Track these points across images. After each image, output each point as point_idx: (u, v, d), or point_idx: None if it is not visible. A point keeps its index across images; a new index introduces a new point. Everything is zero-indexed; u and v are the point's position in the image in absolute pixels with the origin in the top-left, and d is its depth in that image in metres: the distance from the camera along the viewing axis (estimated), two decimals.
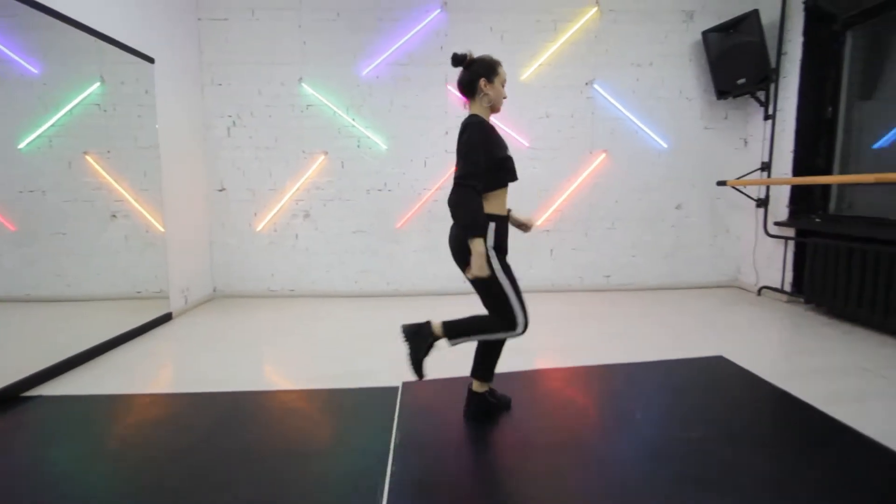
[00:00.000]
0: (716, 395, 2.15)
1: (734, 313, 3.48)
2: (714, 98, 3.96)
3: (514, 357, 2.32)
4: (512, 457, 1.70)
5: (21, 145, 3.12)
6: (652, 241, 4.22)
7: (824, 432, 1.79)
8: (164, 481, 1.54)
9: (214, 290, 4.13)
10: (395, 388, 2.25)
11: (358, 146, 4.00)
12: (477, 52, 3.90)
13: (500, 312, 1.74)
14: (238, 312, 3.66)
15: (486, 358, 1.88)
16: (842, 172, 3.49)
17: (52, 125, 3.16)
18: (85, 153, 3.31)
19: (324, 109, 3.94)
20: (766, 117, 3.80)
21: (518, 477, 1.57)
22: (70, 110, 3.21)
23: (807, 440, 1.76)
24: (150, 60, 3.28)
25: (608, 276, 4.25)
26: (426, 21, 3.85)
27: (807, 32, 3.45)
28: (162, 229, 3.48)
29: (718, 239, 4.26)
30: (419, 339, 1.84)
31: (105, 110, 3.36)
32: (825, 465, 1.58)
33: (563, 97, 4.00)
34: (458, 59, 1.80)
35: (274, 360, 2.73)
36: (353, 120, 3.96)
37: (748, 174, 3.98)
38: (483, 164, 1.66)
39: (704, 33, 3.79)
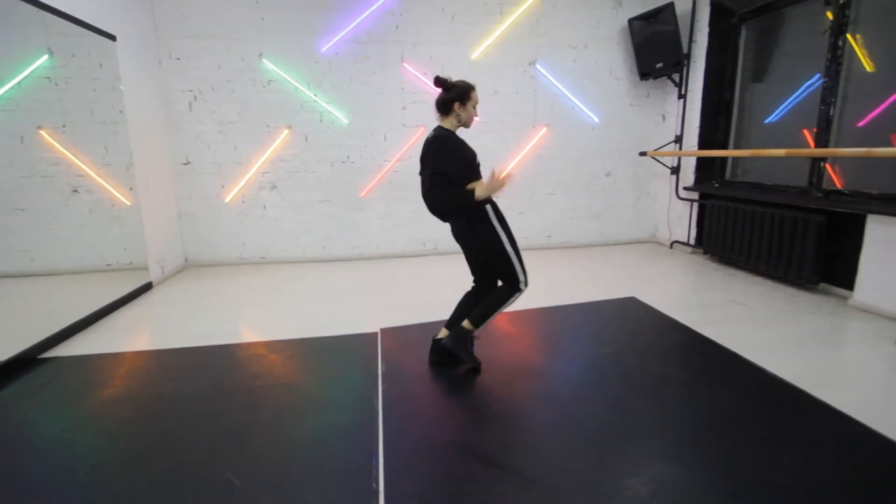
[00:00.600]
0: (626, 325, 2.80)
1: (649, 264, 4.22)
2: (637, 79, 4.54)
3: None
4: (477, 382, 2.24)
5: None
6: (586, 203, 4.86)
7: (696, 345, 2.48)
8: (178, 425, 1.95)
9: (186, 260, 4.33)
10: (375, 333, 2.72)
11: (321, 120, 4.25)
12: (429, 33, 4.23)
13: (507, 276, 2.11)
14: (214, 279, 3.93)
15: (490, 313, 2.17)
16: (736, 146, 4.22)
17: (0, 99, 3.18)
18: (39, 128, 3.35)
19: (285, 85, 4.12)
20: (680, 96, 4.44)
21: (483, 397, 2.11)
22: (18, 84, 3.22)
23: (681, 351, 2.43)
24: (112, 38, 3.33)
25: (549, 236, 4.86)
26: (381, 1, 4.07)
27: (711, 24, 4.06)
28: (128, 203, 3.62)
29: (640, 202, 4.98)
30: (460, 341, 2.20)
31: (56, 84, 3.38)
32: (692, 368, 2.26)
33: (508, 75, 4.42)
34: (439, 82, 2.09)
35: (260, 317, 3.10)
36: (315, 95, 4.18)
37: (664, 146, 4.66)
38: (456, 167, 2.03)
39: (630, 21, 4.30)
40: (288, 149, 4.26)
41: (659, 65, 4.23)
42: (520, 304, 3.14)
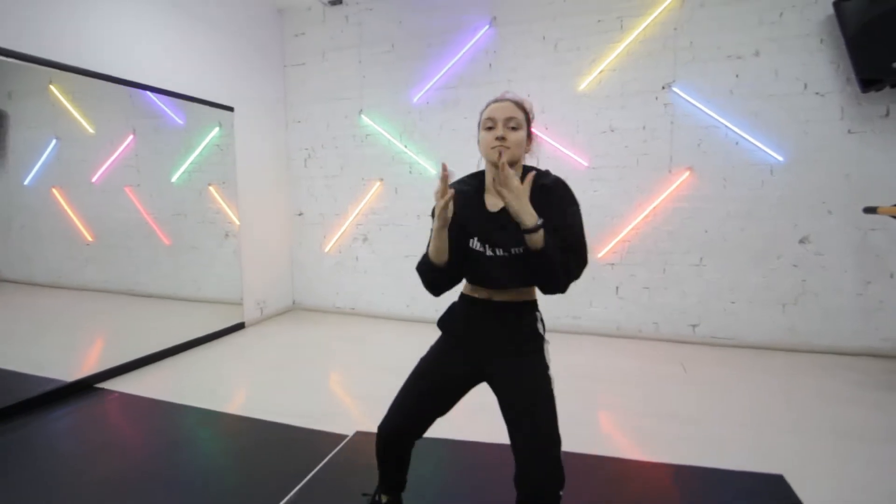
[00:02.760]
0: None
1: (875, 401, 2.39)
2: (859, 90, 2.80)
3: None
4: None
5: (173, 179, 4.04)
6: (761, 283, 3.20)
7: None
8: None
9: (294, 303, 4.65)
10: (344, 436, 2.18)
11: (410, 172, 4.03)
12: (527, 67, 3.56)
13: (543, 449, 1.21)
14: (299, 327, 4.04)
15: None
16: None
17: (191, 163, 4.01)
18: (209, 185, 4.09)
19: (380, 138, 4.09)
20: None
21: None
22: (201, 151, 4.01)
23: None
24: (230, 109, 3.88)
25: (695, 326, 3.37)
26: (474, 40, 3.66)
27: None
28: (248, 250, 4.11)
29: (874, 287, 2.99)
30: None
31: (222, 149, 4.08)
32: None
33: (631, 106, 3.34)
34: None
35: (291, 382, 2.92)
36: (406, 146, 4.00)
37: None
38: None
39: (837, 4, 2.71)
40: (380, 201, 4.18)
41: None
42: (593, 438, 2.11)
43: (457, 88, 3.79)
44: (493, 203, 1.25)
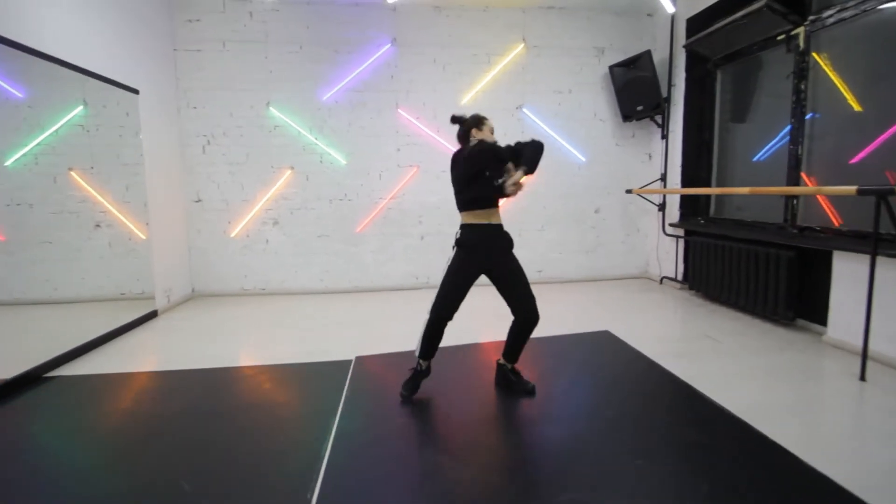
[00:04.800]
0: (592, 359, 2.88)
1: (634, 299, 4.27)
2: (621, 120, 4.75)
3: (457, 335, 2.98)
4: (434, 412, 2.34)
5: (7, 162, 3.55)
6: (576, 239, 4.98)
7: (655, 378, 2.54)
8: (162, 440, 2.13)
9: (193, 290, 4.63)
10: (349, 361, 2.87)
11: (321, 161, 4.58)
12: (422, 81, 4.53)
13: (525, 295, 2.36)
14: (214, 309, 4.19)
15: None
16: (718, 183, 4.33)
17: (38, 144, 3.59)
18: (70, 169, 3.75)
19: (289, 129, 4.50)
20: (662, 136, 4.61)
21: (439, 427, 2.22)
22: (55, 131, 3.64)
23: (638, 384, 2.50)
24: (135, 92, 3.76)
25: (540, 271, 4.98)
26: (378, 54, 4.46)
27: (688, 70, 4.27)
28: (143, 237, 3.96)
29: (630, 237, 5.07)
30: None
31: (88, 131, 3.79)
32: (645, 399, 2.32)
33: (497, 119, 4.62)
34: (455, 120, 2.51)
35: (248, 344, 3.30)
36: (316, 139, 4.53)
37: (651, 183, 4.79)
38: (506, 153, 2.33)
39: (611, 67, 4.56)
40: (290, 188, 4.59)
41: (639, 107, 4.44)
42: (498, 333, 3.24)
43: (363, 92, 4.52)
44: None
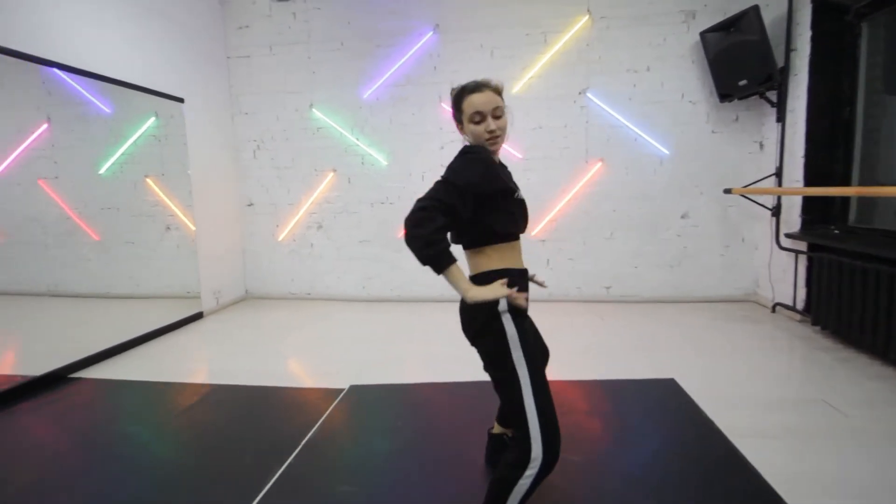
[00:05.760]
0: (639, 425, 2.15)
1: (732, 332, 3.28)
2: (718, 100, 3.71)
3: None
4: (410, 453, 1.91)
5: (101, 171, 3.90)
6: (655, 250, 4.06)
7: (718, 461, 1.77)
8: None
9: (246, 292, 4.75)
10: (341, 389, 2.54)
11: (362, 163, 4.36)
12: (467, 71, 4.04)
13: (516, 424, 1.25)
14: (255, 314, 4.21)
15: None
16: (863, 180, 3.12)
17: (122, 154, 3.90)
18: (146, 176, 4.02)
19: (332, 131, 4.35)
20: (778, 119, 3.49)
21: (415, 474, 1.78)
22: (134, 141, 3.93)
23: (691, 464, 1.75)
24: (180, 100, 3.89)
25: (608, 287, 4.17)
26: (420, 43, 4.08)
27: (815, 26, 3.13)
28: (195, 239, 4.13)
29: (731, 250, 3.98)
30: None
31: (159, 140, 4.03)
32: (693, 489, 1.60)
33: (555, 108, 4.00)
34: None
35: (260, 358, 3.16)
36: (357, 139, 4.32)
37: (761, 181, 3.68)
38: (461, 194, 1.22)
39: (702, 34, 3.57)
40: (333, 191, 4.45)
41: (743, 82, 3.40)
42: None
43: (404, 86, 4.18)
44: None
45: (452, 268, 1.19)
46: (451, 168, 1.30)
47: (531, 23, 3.92)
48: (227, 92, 4.44)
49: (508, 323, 1.26)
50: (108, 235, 3.94)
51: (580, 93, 3.96)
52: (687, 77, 3.82)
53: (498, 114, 1.32)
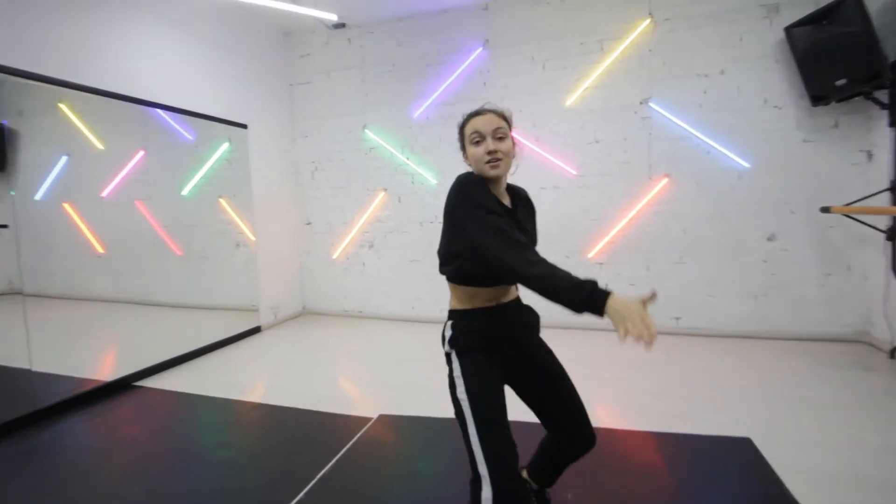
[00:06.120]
0: (704, 491, 1.81)
1: (833, 380, 2.71)
2: (810, 104, 3.17)
3: None
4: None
5: (184, 192, 4.30)
6: (735, 277, 3.54)
7: None
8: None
9: (303, 308, 4.92)
10: (369, 418, 2.46)
11: (412, 182, 4.34)
12: (517, 85, 3.86)
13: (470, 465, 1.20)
14: (309, 330, 4.32)
15: None
16: None
17: (202, 177, 4.28)
18: (220, 197, 4.35)
19: (383, 151, 4.40)
20: (892, 123, 2.89)
21: None
22: (211, 165, 4.28)
23: None
24: (244, 126, 4.16)
25: (677, 318, 3.70)
26: (469, 60, 4.00)
27: None
28: (259, 257, 4.36)
29: (834, 279, 3.34)
30: None
31: (231, 164, 4.35)
32: None
33: (613, 120, 3.69)
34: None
35: (301, 379, 3.19)
36: (408, 158, 4.32)
37: (869, 197, 3.06)
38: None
39: (788, 29, 3.08)
40: (384, 210, 4.48)
41: (841, 81, 2.86)
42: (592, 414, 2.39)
43: (454, 105, 4.12)
44: (504, 201, 1.31)
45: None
46: (458, 195, 1.22)
47: (586, 31, 3.68)
48: (289, 117, 4.69)
49: (454, 361, 1.27)
50: (189, 250, 4.31)
51: (641, 102, 3.61)
52: (770, 79, 3.32)
53: (500, 135, 1.23)
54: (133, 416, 2.61)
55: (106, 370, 3.05)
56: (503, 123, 1.25)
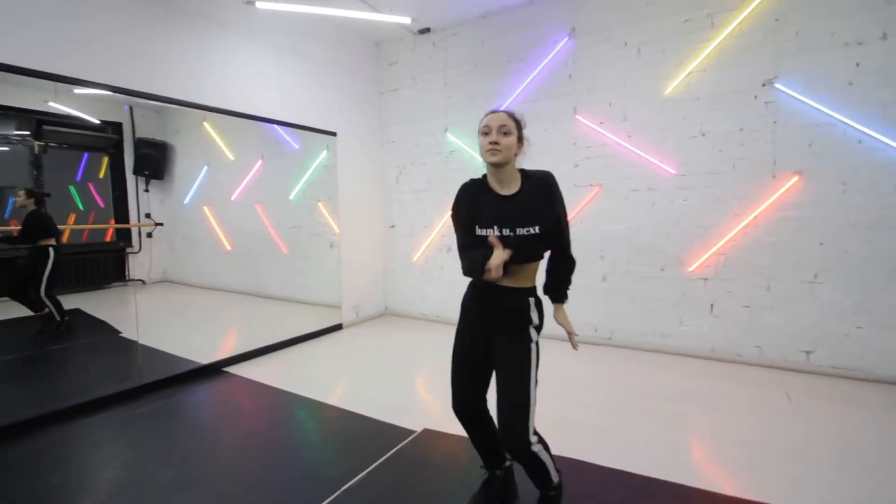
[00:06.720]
0: None
1: None
2: None
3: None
4: None
5: (291, 196, 4.75)
6: (893, 304, 2.69)
7: None
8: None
9: (385, 309, 5.03)
10: (412, 431, 2.35)
11: None
12: (607, 75, 3.61)
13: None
14: (388, 331, 4.38)
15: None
16: None
17: (305, 182, 4.67)
18: (318, 201, 4.70)
19: (463, 153, 4.29)
20: None
21: None
22: (313, 171, 4.65)
23: None
24: (333, 134, 4.39)
25: (809, 352, 2.94)
26: (553, 53, 3.69)
27: None
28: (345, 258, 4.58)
29: None
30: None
31: (328, 170, 4.66)
32: None
33: (725, 107, 3.08)
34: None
35: (375, 378, 3.21)
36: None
37: None
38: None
39: None
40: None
41: None
42: (664, 467, 2.01)
43: (536, 101, 3.84)
44: (503, 189, 1.52)
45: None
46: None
47: (693, 4, 3.13)
48: (378, 123, 4.84)
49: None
50: (294, 249, 4.74)
51: (764, 84, 2.94)
52: None
53: (504, 131, 1.48)
54: (206, 401, 2.86)
55: (205, 354, 3.42)
56: (510, 122, 1.50)
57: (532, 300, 1.52)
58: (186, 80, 3.14)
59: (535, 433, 1.46)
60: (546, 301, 1.59)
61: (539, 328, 1.53)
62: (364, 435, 2.35)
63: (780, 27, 2.87)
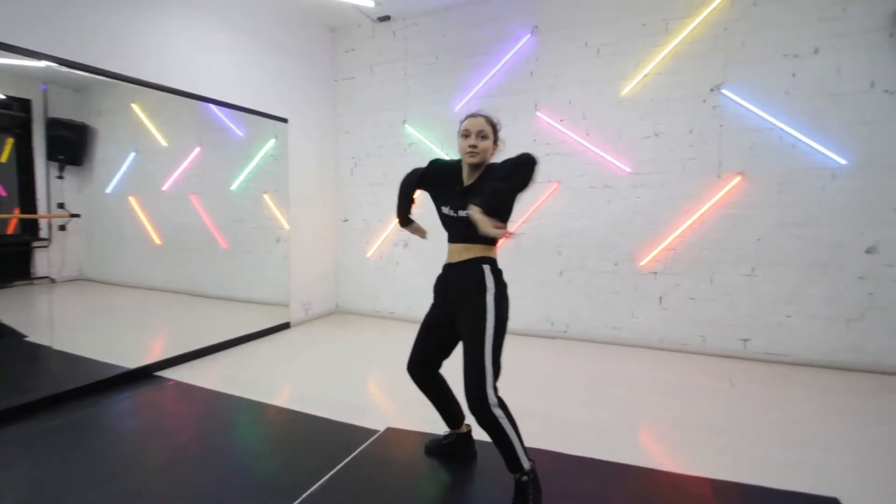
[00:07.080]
0: None
1: None
2: None
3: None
4: None
5: (233, 187, 4.36)
6: (822, 295, 2.97)
7: None
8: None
9: (336, 306, 4.81)
10: (375, 431, 2.23)
11: None
12: (568, 74, 3.62)
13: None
14: (338, 330, 4.18)
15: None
16: None
17: (249, 172, 4.31)
18: (264, 192, 4.37)
19: (422, 146, 4.20)
20: None
21: None
22: (258, 162, 4.31)
23: None
24: (284, 121, 4.12)
25: (746, 340, 3.17)
26: (515, 49, 3.71)
27: None
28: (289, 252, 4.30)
29: None
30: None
31: (276, 159, 4.35)
32: None
33: (677, 110, 3.25)
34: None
35: (326, 378, 3.03)
36: (447, 154, 4.09)
37: None
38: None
39: None
40: (419, 208, 4.23)
41: None
42: (639, 451, 2.08)
43: (497, 97, 3.85)
44: (469, 181, 1.69)
45: None
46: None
47: (650, 9, 3.27)
48: (331, 112, 4.62)
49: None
50: (234, 244, 4.35)
51: (712, 90, 3.14)
52: (880, 59, 2.75)
53: (482, 135, 1.65)
54: (135, 409, 2.54)
55: (132, 357, 3.05)
56: (487, 127, 1.67)
57: (487, 267, 1.63)
58: (117, 48, 2.78)
59: (498, 397, 1.51)
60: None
61: (499, 295, 1.60)
62: (322, 437, 2.20)
63: (728, 36, 3.08)
